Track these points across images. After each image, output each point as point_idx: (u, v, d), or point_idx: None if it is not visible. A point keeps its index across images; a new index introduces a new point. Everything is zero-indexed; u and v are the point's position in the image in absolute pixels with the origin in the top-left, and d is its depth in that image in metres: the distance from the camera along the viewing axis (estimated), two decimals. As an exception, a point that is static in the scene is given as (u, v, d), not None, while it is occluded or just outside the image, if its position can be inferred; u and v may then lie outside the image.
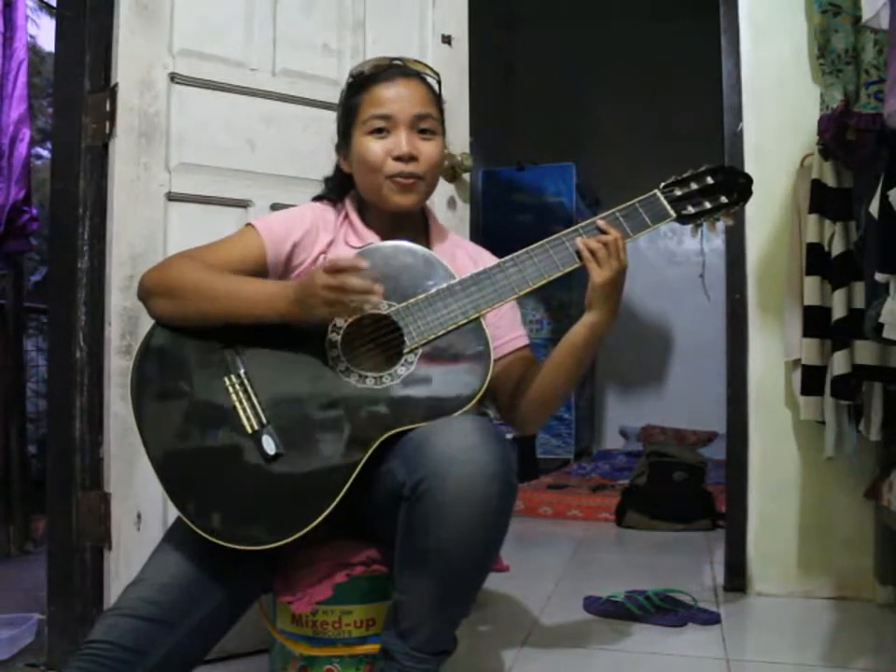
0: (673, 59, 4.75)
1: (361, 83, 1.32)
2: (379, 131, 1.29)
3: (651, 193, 1.27)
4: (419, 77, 1.34)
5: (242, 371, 1.18)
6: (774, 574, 2.17)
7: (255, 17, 1.80)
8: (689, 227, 1.29)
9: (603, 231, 1.22)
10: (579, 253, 1.22)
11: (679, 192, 1.27)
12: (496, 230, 4.35)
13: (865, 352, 1.83)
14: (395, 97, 1.29)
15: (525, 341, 1.38)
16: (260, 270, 1.27)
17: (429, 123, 1.31)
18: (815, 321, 1.96)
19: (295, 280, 1.22)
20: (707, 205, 1.28)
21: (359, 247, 1.27)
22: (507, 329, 1.36)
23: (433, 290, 1.20)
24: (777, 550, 2.17)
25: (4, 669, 1.62)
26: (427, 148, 1.30)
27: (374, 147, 1.29)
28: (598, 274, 1.20)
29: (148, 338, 1.21)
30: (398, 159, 1.28)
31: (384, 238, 1.31)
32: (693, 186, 1.28)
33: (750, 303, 2.21)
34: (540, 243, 1.23)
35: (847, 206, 1.94)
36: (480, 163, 3.58)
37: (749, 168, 2.15)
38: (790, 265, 2.10)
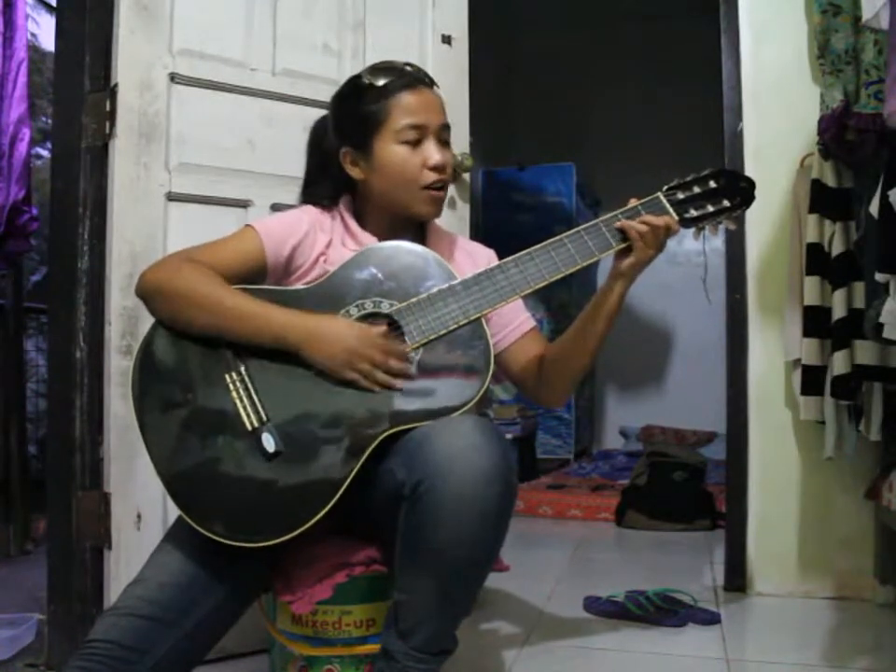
0: (673, 59, 4.75)
1: (383, 89, 1.28)
2: (411, 141, 1.28)
3: (653, 196, 1.27)
4: (433, 84, 1.34)
5: (242, 369, 1.18)
6: (774, 574, 2.17)
7: (255, 17, 1.80)
8: (691, 230, 1.29)
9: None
10: (623, 231, 1.24)
11: (681, 195, 1.27)
12: (496, 230, 4.34)
13: (865, 352, 1.83)
14: (425, 106, 1.29)
15: (533, 322, 1.42)
16: (259, 271, 1.27)
17: (448, 132, 1.33)
18: (815, 321, 1.96)
19: (313, 319, 1.17)
20: (710, 209, 1.28)
21: (357, 251, 1.26)
22: (513, 316, 1.39)
23: (434, 290, 1.20)
24: (777, 550, 2.17)
25: (4, 669, 1.62)
26: (449, 157, 1.32)
27: (411, 158, 1.28)
28: (644, 253, 1.24)
29: (149, 337, 1.21)
30: (433, 169, 1.28)
31: (381, 241, 1.30)
32: (696, 189, 1.28)
33: (750, 303, 2.21)
34: (542, 244, 1.23)
35: (846, 206, 1.94)
36: (480, 163, 3.58)
37: (749, 168, 2.16)
38: (790, 265, 2.09)
